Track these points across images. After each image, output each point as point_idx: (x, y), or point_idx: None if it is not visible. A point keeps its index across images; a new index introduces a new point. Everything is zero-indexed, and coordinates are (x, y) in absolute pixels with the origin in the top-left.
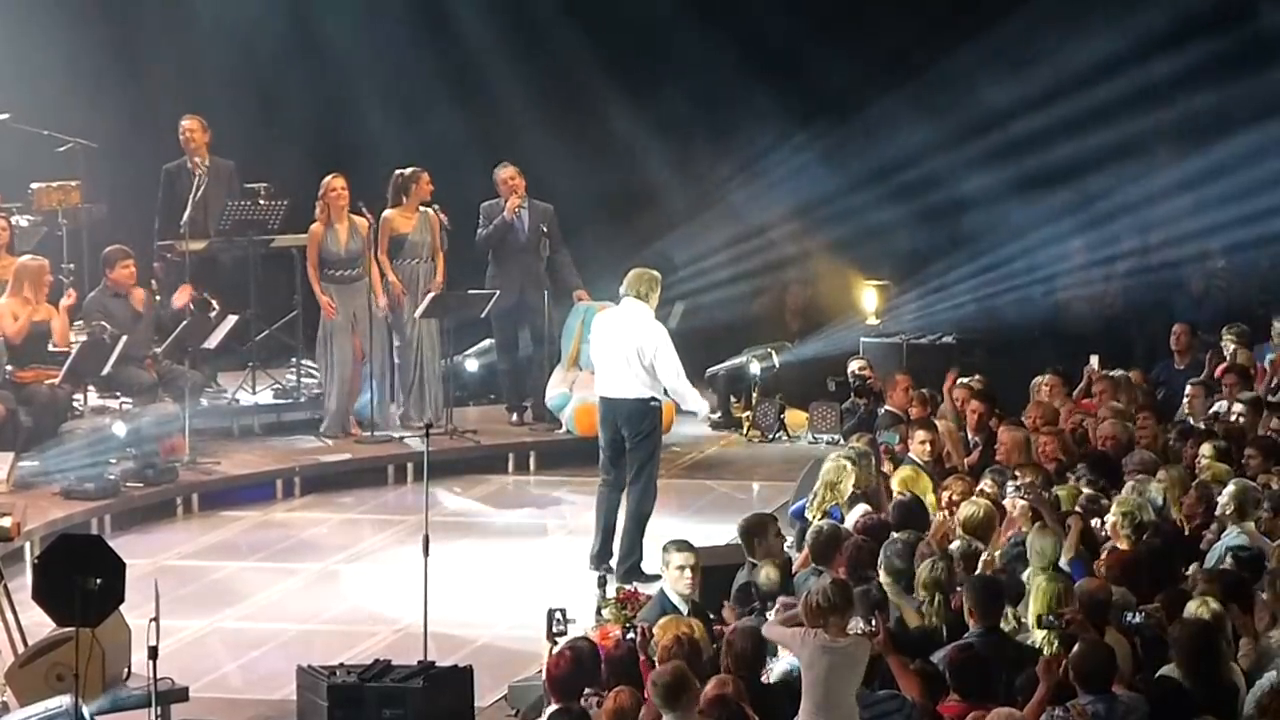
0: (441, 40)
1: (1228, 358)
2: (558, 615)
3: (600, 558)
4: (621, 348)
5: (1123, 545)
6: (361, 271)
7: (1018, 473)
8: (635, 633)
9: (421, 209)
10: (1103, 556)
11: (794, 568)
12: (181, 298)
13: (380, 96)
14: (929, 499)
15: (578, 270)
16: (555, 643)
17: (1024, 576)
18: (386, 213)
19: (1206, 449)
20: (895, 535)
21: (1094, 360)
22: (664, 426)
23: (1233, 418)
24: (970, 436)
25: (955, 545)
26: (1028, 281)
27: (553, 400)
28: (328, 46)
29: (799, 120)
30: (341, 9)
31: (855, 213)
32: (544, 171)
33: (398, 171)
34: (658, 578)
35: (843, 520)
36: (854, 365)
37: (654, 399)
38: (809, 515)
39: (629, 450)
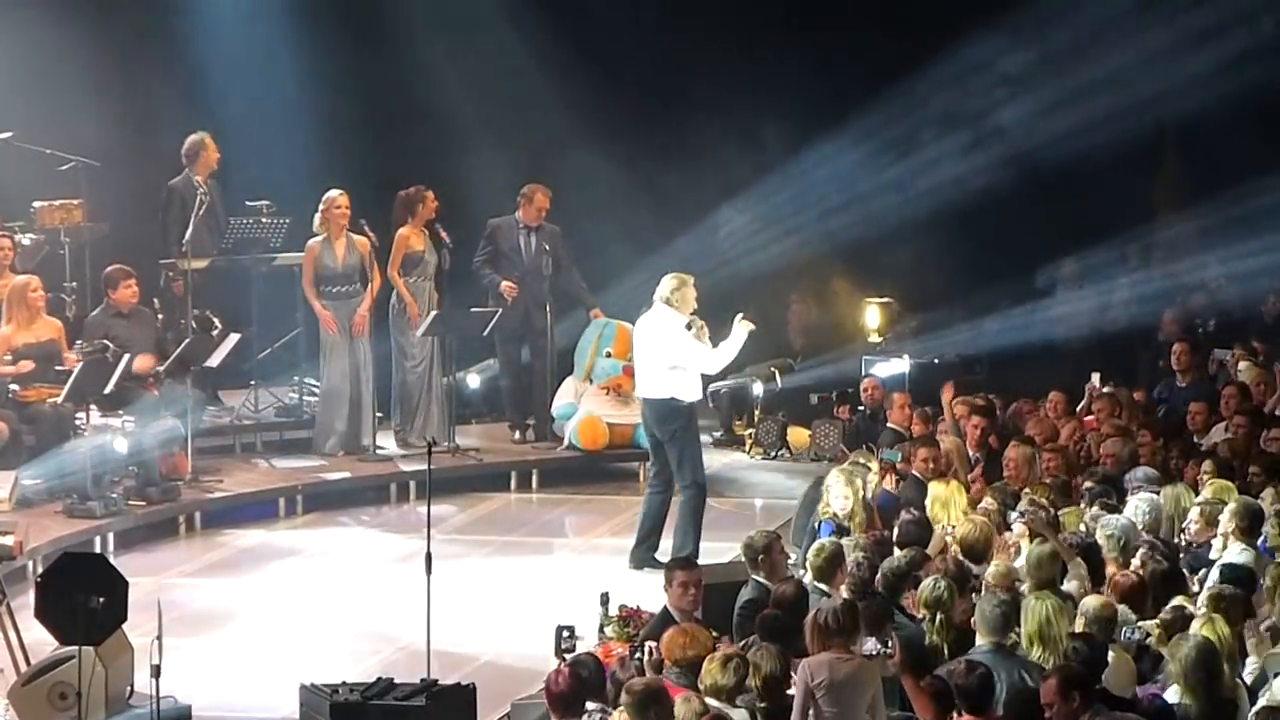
0: (456, 57)
1: (1234, 375)
2: (565, 633)
3: (635, 555)
4: (647, 350)
5: (1111, 568)
6: (357, 289)
7: (1027, 490)
8: (643, 651)
9: (426, 228)
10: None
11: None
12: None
13: (388, 114)
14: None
15: (593, 288)
16: (563, 659)
17: (1023, 590)
18: (402, 230)
19: (1208, 465)
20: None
21: (1095, 378)
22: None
23: (1231, 434)
24: (971, 453)
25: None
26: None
27: (559, 409)
28: (332, 63)
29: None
30: (342, 24)
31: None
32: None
33: (402, 191)
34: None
35: (836, 534)
36: (865, 383)
37: (676, 398)
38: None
39: (667, 449)
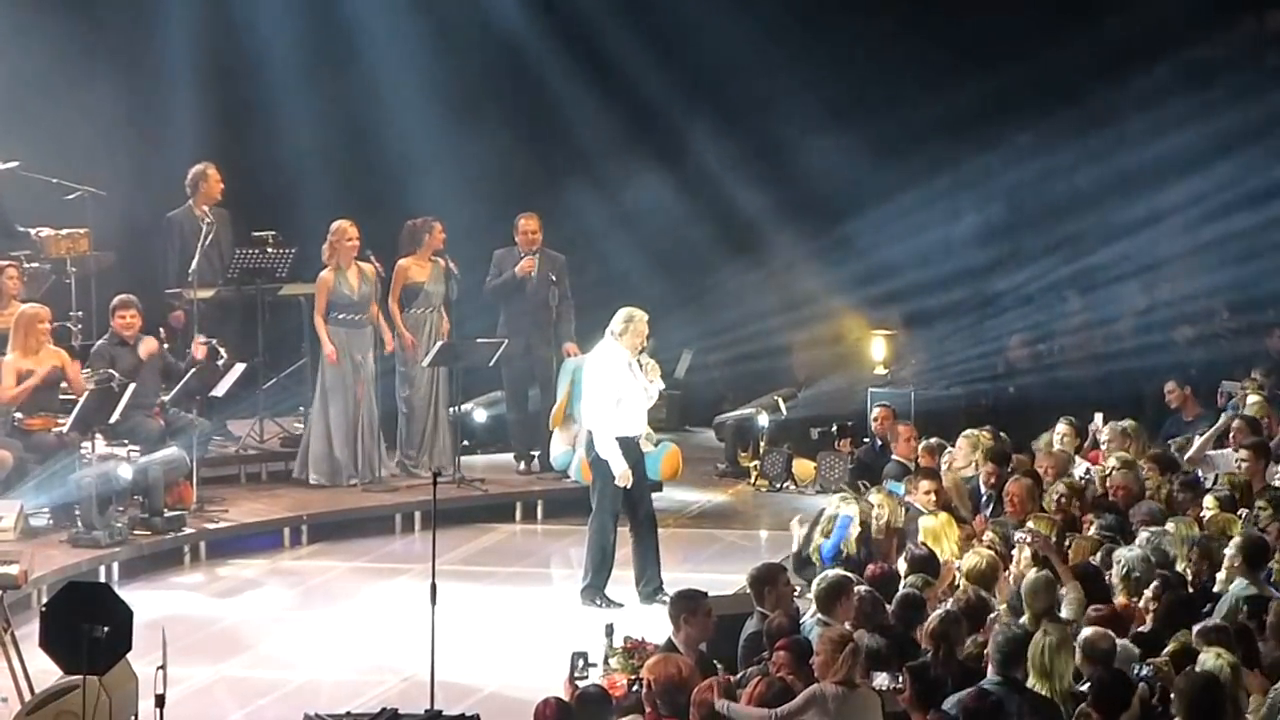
0: (460, 86)
1: (1241, 407)
2: (580, 660)
3: (639, 591)
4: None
5: (1122, 599)
6: (367, 318)
7: (1030, 523)
8: (641, 684)
9: (433, 258)
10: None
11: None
12: (200, 350)
13: (394, 145)
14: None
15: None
16: (577, 686)
17: (1022, 621)
18: (401, 261)
19: (1210, 500)
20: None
21: (1098, 418)
22: (670, 473)
23: (1236, 466)
24: (984, 490)
25: (959, 594)
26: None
27: (558, 459)
28: (338, 94)
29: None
30: (349, 57)
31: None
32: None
33: (409, 220)
34: (618, 606)
35: (839, 560)
36: (877, 413)
37: (589, 431)
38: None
39: None
